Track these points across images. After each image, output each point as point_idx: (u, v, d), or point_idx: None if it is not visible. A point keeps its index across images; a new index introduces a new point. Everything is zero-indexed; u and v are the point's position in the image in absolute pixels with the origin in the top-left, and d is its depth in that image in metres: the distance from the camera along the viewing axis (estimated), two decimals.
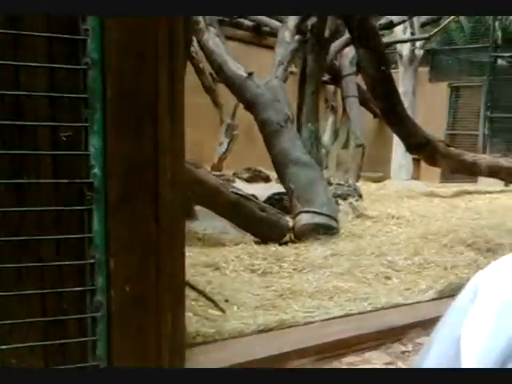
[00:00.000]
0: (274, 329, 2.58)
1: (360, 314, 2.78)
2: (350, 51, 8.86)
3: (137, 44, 1.69)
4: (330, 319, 2.70)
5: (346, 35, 7.85)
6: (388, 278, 3.88)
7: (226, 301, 3.20)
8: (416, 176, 11.00)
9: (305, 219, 5.07)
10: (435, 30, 11.17)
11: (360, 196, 6.74)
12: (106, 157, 1.66)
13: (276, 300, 3.35)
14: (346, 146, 10.06)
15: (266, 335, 2.48)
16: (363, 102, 9.79)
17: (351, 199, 6.38)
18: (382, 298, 3.24)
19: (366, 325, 2.50)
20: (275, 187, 6.32)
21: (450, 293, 3.18)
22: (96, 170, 1.65)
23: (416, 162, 10.56)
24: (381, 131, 11.35)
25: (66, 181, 1.64)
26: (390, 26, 9.41)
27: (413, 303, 3.07)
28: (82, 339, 1.72)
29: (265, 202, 5.38)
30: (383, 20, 8.79)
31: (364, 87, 9.58)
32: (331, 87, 10.35)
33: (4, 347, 1.67)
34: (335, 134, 10.48)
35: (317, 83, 7.49)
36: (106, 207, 1.69)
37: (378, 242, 5.05)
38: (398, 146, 10.18)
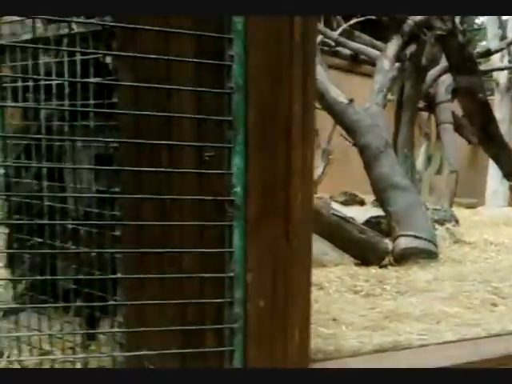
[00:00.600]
0: (388, 350, 2.61)
1: (474, 339, 2.77)
2: (446, 78, 8.81)
3: (275, 71, 1.79)
4: (444, 343, 2.70)
5: (443, 63, 7.83)
6: (494, 304, 3.82)
7: (334, 320, 3.25)
8: (511, 203, 10.73)
9: (404, 243, 5.07)
10: None
11: (457, 222, 6.65)
12: (247, 176, 1.76)
13: (383, 322, 3.36)
14: (439, 172, 9.95)
15: (383, 355, 2.51)
16: (457, 129, 9.69)
17: (448, 224, 6.32)
18: (495, 324, 3.20)
19: (486, 350, 2.49)
20: (371, 211, 6.33)
21: None
22: (237, 189, 1.75)
23: (510, 188, 10.31)
24: (474, 158, 11.18)
25: (210, 198, 1.75)
26: (488, 53, 9.33)
27: None
28: (221, 349, 1.81)
29: (362, 224, 5.41)
30: (480, 48, 8.72)
31: (458, 114, 9.55)
32: (425, 114, 10.28)
33: (148, 353, 1.79)
34: (428, 160, 10.39)
35: (413, 110, 7.49)
36: (245, 224, 1.79)
37: (479, 268, 4.96)
38: (493, 172, 9.99)
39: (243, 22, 1.65)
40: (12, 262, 2.84)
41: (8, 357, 2.43)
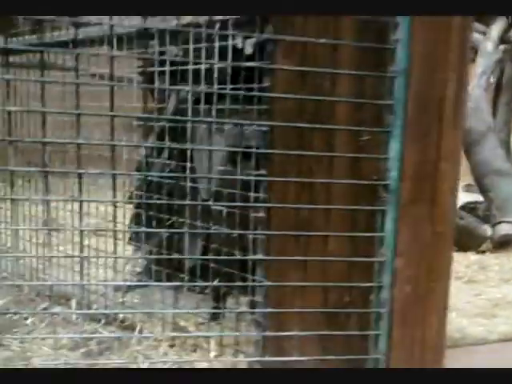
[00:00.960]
0: None
1: None
2: None
3: (434, 55, 1.77)
4: None
5: None
6: None
7: None
8: None
9: (505, 229, 4.97)
10: None
11: None
12: (403, 161, 1.75)
13: (493, 309, 3.32)
14: None
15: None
16: None
17: None
18: None
19: None
20: (465, 195, 6.21)
21: None
22: (393, 173, 1.74)
23: None
24: None
25: (367, 182, 1.75)
26: None
27: None
28: (368, 332, 1.82)
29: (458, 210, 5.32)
30: None
31: None
32: None
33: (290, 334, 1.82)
34: None
35: None
36: (397, 208, 1.78)
37: None
38: None
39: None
40: (138, 237, 2.91)
41: (140, 332, 2.51)
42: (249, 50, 2.33)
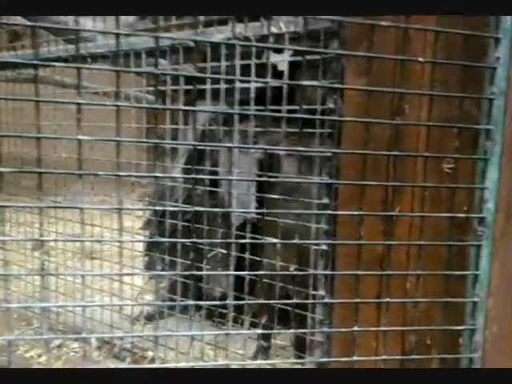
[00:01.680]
0: None
1: None
2: None
3: None
4: None
5: None
6: None
7: None
8: None
9: None
10: None
11: None
12: (498, 191, 1.57)
13: None
14: None
15: None
16: None
17: None
18: None
19: None
20: None
21: None
22: (490, 205, 1.56)
23: None
24: None
25: (462, 215, 1.56)
26: None
27: None
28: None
29: None
30: None
31: None
32: None
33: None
34: None
35: None
36: (492, 244, 1.60)
37: None
38: None
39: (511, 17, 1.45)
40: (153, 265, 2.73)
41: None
42: (282, 67, 2.14)
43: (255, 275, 2.15)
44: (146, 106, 2.55)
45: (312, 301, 1.82)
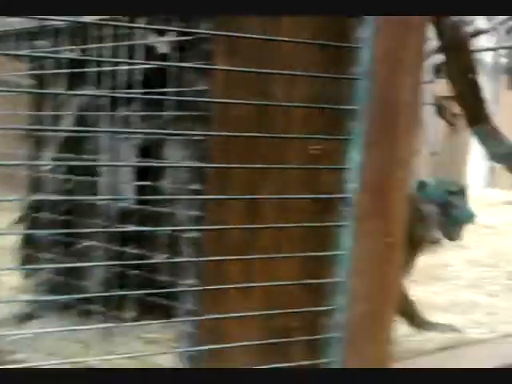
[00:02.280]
0: (452, 347, 2.50)
1: None
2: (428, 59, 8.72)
3: (393, 53, 1.61)
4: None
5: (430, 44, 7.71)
6: None
7: None
8: (492, 185, 10.81)
9: None
10: None
11: None
12: (363, 171, 1.59)
13: None
14: (417, 153, 9.92)
15: (455, 353, 2.39)
16: (438, 111, 9.61)
17: None
18: None
19: None
20: None
21: None
22: (353, 185, 1.58)
23: (491, 170, 10.37)
24: (454, 139, 11.17)
25: (324, 196, 1.57)
26: (478, 33, 9.23)
27: None
28: (319, 361, 1.65)
29: None
30: (471, 28, 8.60)
31: (439, 96, 9.47)
32: None
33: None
34: None
35: None
36: (355, 223, 1.62)
37: (485, 252, 4.94)
38: (474, 153, 10.02)
39: None
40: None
41: None
42: (163, 49, 2.09)
43: (130, 267, 2.10)
44: (21, 90, 2.45)
45: (174, 289, 1.78)
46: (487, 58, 11.02)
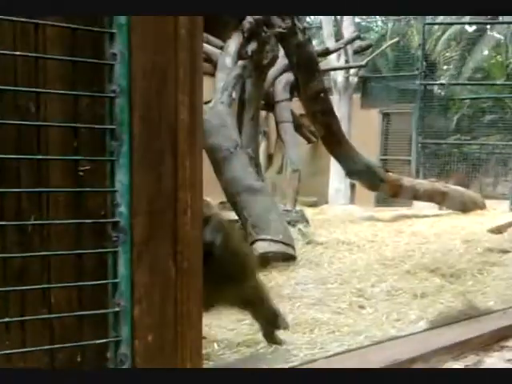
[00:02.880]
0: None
1: (360, 348, 2.68)
2: (283, 77, 8.89)
3: (159, 71, 1.55)
4: (334, 355, 2.58)
5: (283, 62, 7.86)
6: (362, 307, 3.82)
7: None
8: (352, 201, 11.12)
9: (262, 247, 4.98)
10: (368, 57, 11.44)
11: (307, 222, 6.69)
12: (132, 193, 1.50)
13: (257, 335, 3.20)
14: (280, 171, 10.05)
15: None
16: (297, 128, 9.82)
17: (300, 225, 6.32)
18: (375, 330, 3.15)
19: (375, 359, 2.40)
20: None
21: (443, 322, 3.13)
22: (122, 209, 1.49)
23: (351, 186, 10.67)
24: (314, 157, 11.45)
25: (90, 221, 1.47)
26: (326, 53, 9.52)
27: (407, 335, 3.00)
28: None
29: None
30: (319, 47, 8.86)
31: (297, 113, 9.69)
32: (263, 113, 10.35)
33: None
34: (268, 159, 10.45)
35: (256, 109, 7.46)
36: (131, 249, 1.53)
37: (337, 268, 5.00)
38: (335, 170, 10.27)
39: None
40: None
41: None
42: None
43: None
44: None
45: None
46: (338, 77, 11.42)
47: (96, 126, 1.43)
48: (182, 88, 1.61)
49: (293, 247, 5.13)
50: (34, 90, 1.41)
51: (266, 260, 4.86)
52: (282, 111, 9.36)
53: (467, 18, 13.86)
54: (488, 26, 15.60)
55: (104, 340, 1.54)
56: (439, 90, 14.42)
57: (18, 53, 1.33)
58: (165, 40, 1.54)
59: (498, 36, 16.33)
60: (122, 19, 1.39)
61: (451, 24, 15.31)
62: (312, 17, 15.82)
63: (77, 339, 1.55)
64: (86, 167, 1.50)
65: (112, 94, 1.42)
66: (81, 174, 1.49)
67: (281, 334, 3.20)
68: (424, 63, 12.73)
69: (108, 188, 1.48)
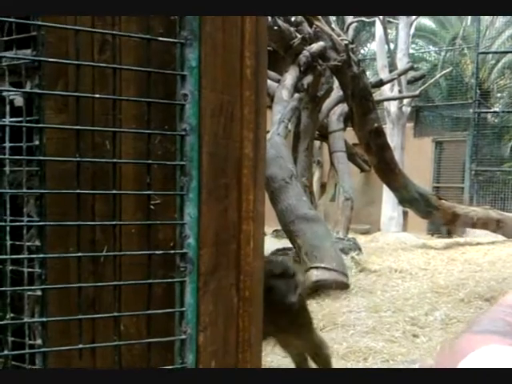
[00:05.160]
0: None
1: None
2: (337, 108, 8.99)
3: (226, 110, 1.63)
4: None
5: (337, 93, 7.95)
6: (416, 336, 3.81)
7: None
8: (404, 228, 11.04)
9: (316, 275, 5.02)
10: (421, 87, 11.45)
11: (360, 249, 6.70)
12: (200, 226, 1.58)
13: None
14: (333, 199, 10.08)
15: None
16: (350, 157, 9.88)
17: (352, 253, 6.34)
18: (429, 358, 3.15)
19: None
20: (275, 242, 6.27)
21: None
22: (191, 240, 1.56)
23: (403, 214, 10.61)
24: (367, 185, 11.45)
25: (160, 252, 1.55)
26: (380, 84, 9.58)
27: None
28: None
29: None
30: (373, 78, 8.93)
31: (350, 143, 9.74)
32: (317, 143, 10.44)
33: None
34: (322, 187, 10.50)
35: (310, 140, 7.55)
36: (197, 279, 1.60)
37: (390, 296, 4.99)
38: (387, 199, 10.25)
39: (197, 57, 1.48)
40: None
41: None
42: (19, 102, 2.04)
43: None
44: None
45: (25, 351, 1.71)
46: (392, 107, 11.44)
47: (167, 163, 1.51)
48: (246, 125, 1.69)
49: (346, 275, 5.16)
50: (111, 129, 1.50)
51: (320, 288, 4.90)
52: (336, 141, 9.45)
53: None
54: None
55: (170, 367, 1.60)
56: (493, 118, 14.29)
57: (97, 95, 1.42)
58: (231, 80, 1.62)
59: None
60: (193, 62, 1.48)
61: (505, 52, 15.20)
62: (366, 49, 15.90)
63: (144, 365, 1.62)
64: (157, 201, 1.58)
65: (183, 133, 1.50)
66: (152, 207, 1.58)
67: (335, 362, 3.22)
68: (478, 91, 12.65)
69: (177, 221, 1.55)
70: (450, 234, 9.53)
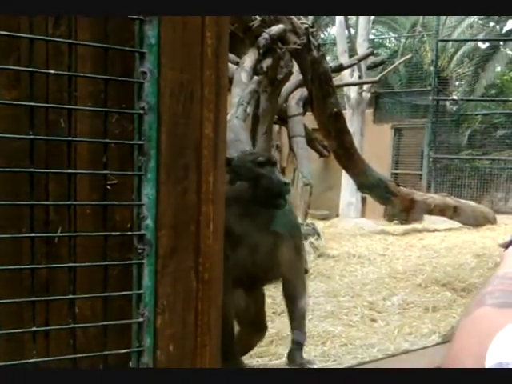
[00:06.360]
0: None
1: (374, 361, 2.70)
2: (296, 92, 8.96)
3: (186, 89, 1.60)
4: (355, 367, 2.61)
5: (297, 77, 7.92)
6: (374, 320, 3.84)
7: None
8: (363, 214, 11.13)
9: None
10: (381, 73, 11.52)
11: (318, 235, 6.72)
12: (158, 207, 1.55)
13: (269, 347, 3.24)
14: (291, 184, 10.09)
15: None
16: (309, 142, 9.87)
17: (311, 238, 6.35)
18: (388, 343, 3.18)
19: None
20: None
21: None
22: (149, 222, 1.53)
23: (362, 200, 10.70)
24: (326, 170, 11.50)
25: (116, 233, 1.51)
26: (340, 69, 9.59)
27: (420, 349, 3.02)
28: None
29: None
30: (333, 63, 8.93)
31: (309, 128, 9.75)
32: (276, 127, 10.41)
33: None
34: (281, 172, 10.51)
35: (269, 124, 7.51)
36: (155, 261, 1.57)
37: (349, 281, 5.03)
38: (346, 184, 10.31)
39: (157, 35, 1.44)
40: None
41: None
42: None
43: None
44: None
45: None
46: (351, 92, 11.49)
47: (125, 142, 1.48)
48: (207, 105, 1.65)
49: (305, 261, 5.16)
50: (66, 106, 1.45)
51: None
52: (295, 125, 9.42)
53: (481, 36, 13.93)
54: (501, 43, 15.66)
55: (127, 350, 1.57)
56: (451, 106, 14.49)
57: (52, 71, 1.37)
58: (192, 59, 1.59)
59: (510, 53, 16.40)
60: (153, 40, 1.44)
61: (464, 41, 15.41)
62: (326, 33, 15.92)
63: (100, 349, 1.59)
64: (114, 181, 1.54)
65: (141, 111, 1.46)
66: (108, 187, 1.54)
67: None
68: (436, 79, 12.81)
69: (135, 202, 1.52)
70: (407, 220, 9.64)
